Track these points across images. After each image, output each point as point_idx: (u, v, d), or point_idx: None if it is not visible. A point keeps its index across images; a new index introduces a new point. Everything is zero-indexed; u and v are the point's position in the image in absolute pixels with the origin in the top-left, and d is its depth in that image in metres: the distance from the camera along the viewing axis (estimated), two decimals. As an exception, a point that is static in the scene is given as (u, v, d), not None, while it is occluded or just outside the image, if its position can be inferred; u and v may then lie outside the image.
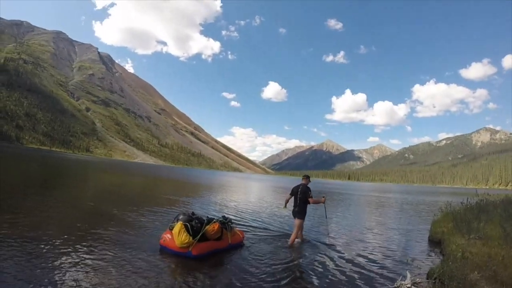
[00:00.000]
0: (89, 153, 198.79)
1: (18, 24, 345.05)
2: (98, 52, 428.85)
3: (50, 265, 4.80)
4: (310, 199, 7.64)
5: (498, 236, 7.51)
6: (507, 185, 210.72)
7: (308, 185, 8.00)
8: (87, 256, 5.37)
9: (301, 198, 7.69)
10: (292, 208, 7.94)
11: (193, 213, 6.59)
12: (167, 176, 44.91)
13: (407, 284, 5.14)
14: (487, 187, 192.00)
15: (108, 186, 20.64)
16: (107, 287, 4.27)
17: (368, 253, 7.56)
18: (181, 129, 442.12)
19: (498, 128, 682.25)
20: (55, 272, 4.53)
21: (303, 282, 5.27)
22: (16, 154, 53.51)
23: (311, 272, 5.82)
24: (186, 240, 5.76)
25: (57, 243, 5.92)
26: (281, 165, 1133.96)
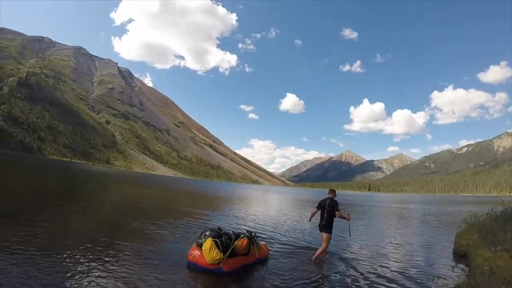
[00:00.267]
0: (109, 165, 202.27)
1: (39, 40, 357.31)
2: (118, 67, 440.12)
3: (69, 278, 4.79)
4: (336, 212, 7.61)
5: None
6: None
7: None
8: (109, 269, 5.37)
9: (329, 212, 7.65)
10: (317, 221, 7.93)
11: (219, 228, 6.65)
12: (186, 189, 45.30)
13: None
14: (511, 194, 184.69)
15: (128, 198, 20.88)
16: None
17: (392, 268, 7.49)
18: (200, 142, 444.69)
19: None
20: (75, 287, 4.55)
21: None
22: (38, 165, 55.07)
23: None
24: (218, 257, 5.76)
25: (77, 256, 5.89)
26: (300, 176, 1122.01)
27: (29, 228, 7.66)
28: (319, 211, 7.94)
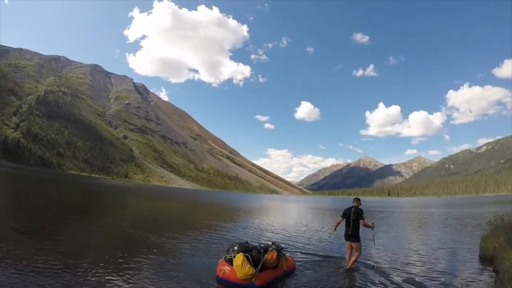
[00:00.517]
0: (127, 179, 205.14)
1: (56, 59, 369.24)
2: (133, 83, 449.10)
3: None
4: (361, 221, 7.67)
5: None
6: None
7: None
8: (132, 286, 5.34)
9: (354, 220, 7.72)
10: (342, 231, 7.98)
11: (247, 242, 6.76)
12: (205, 201, 45.54)
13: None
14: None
15: (147, 212, 21.12)
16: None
17: (420, 275, 7.42)
18: (217, 154, 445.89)
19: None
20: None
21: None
22: (57, 180, 56.42)
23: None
24: (250, 272, 5.77)
25: (98, 272, 5.90)
26: (318, 184, 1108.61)
27: (49, 244, 7.74)
28: (344, 220, 7.98)
